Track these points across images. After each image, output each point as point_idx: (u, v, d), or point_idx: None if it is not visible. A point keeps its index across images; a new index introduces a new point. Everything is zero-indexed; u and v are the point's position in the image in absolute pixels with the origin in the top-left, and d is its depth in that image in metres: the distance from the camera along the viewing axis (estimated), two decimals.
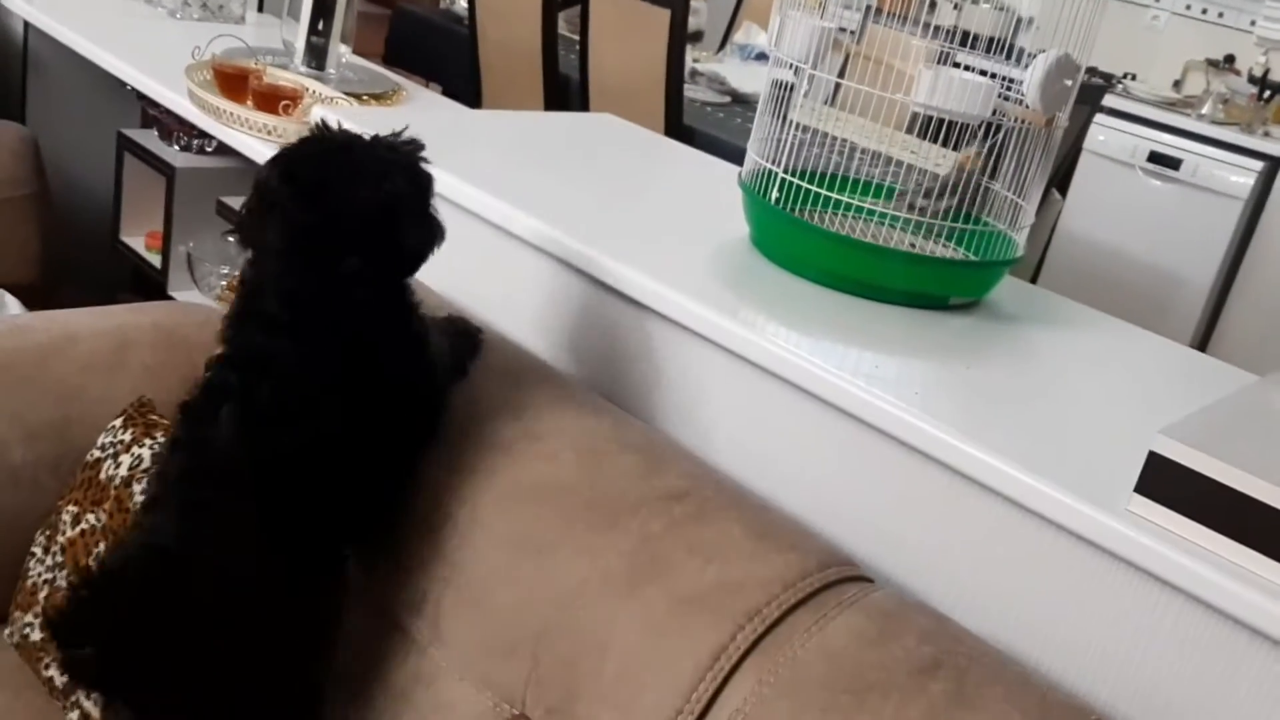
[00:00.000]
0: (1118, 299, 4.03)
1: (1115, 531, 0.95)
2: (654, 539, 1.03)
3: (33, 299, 2.13)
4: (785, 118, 1.38)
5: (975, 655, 0.92)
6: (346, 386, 1.07)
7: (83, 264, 2.51)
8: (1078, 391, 1.20)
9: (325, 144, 1.09)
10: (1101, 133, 4.09)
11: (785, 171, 1.35)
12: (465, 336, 1.27)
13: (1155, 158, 4.03)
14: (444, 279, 1.51)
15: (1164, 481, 0.94)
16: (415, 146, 1.11)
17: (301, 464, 1.05)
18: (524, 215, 1.38)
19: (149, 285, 2.40)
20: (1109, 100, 4.08)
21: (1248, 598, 0.89)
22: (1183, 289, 4.00)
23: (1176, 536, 0.94)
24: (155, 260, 2.30)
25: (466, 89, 3.33)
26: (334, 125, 1.13)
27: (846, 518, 1.14)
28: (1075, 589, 1.00)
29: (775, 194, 1.36)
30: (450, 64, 3.51)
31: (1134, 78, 4.46)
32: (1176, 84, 4.51)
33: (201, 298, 2.18)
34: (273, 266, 1.07)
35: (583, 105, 3.02)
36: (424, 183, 1.11)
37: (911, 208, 1.36)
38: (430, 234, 1.10)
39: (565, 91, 3.12)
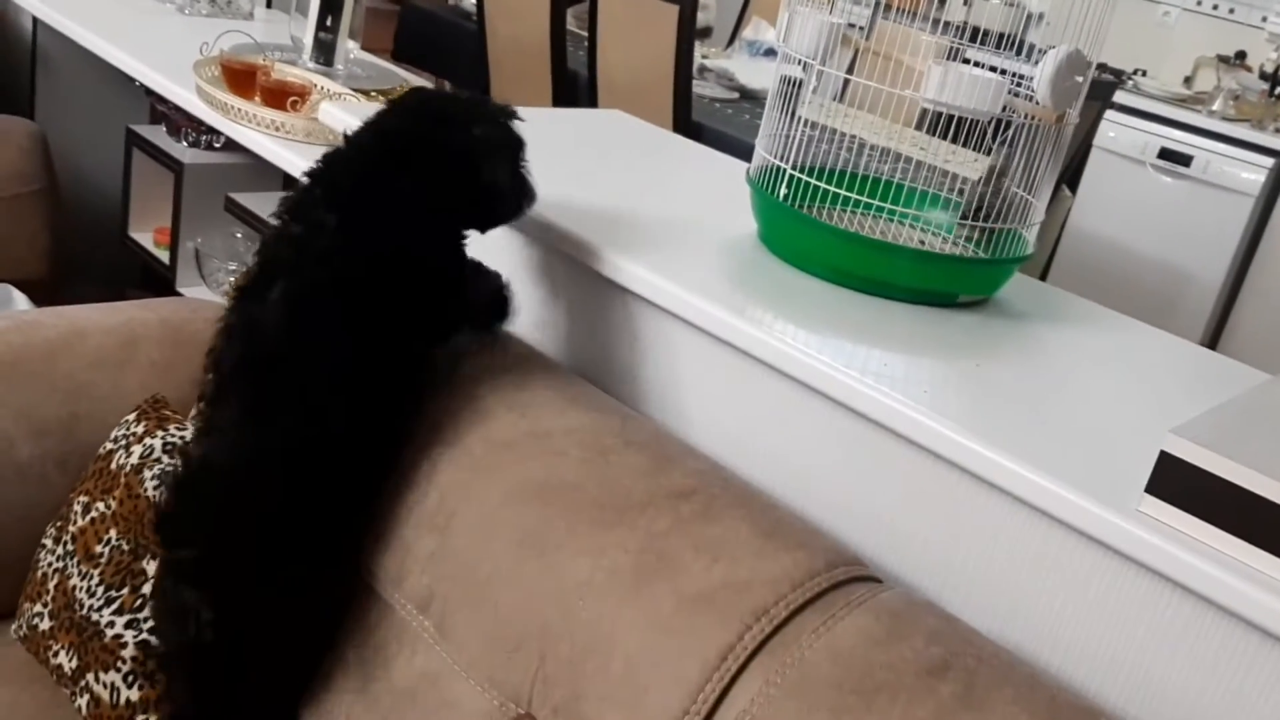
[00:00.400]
0: (1127, 296, 4.01)
1: (1125, 532, 0.95)
2: (660, 537, 1.03)
3: (41, 295, 2.14)
4: (794, 114, 1.37)
5: (984, 656, 0.92)
6: (383, 280, 1.12)
7: (91, 260, 2.51)
8: (1088, 390, 1.20)
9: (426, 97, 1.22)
10: (1112, 129, 4.07)
11: (794, 168, 1.34)
12: (498, 305, 1.31)
13: (1166, 154, 4.02)
14: None
15: (1175, 481, 0.94)
16: (508, 110, 1.20)
17: (340, 348, 1.11)
18: (530, 210, 1.37)
19: (158, 281, 2.40)
20: (1119, 96, 4.06)
21: (1260, 600, 0.88)
22: (1193, 286, 3.99)
23: (1188, 537, 0.93)
24: (164, 256, 2.30)
25: (475, 85, 3.33)
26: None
27: (854, 516, 1.14)
28: (1085, 590, 0.99)
29: (783, 190, 1.35)
30: (459, 60, 3.51)
31: (1144, 74, 4.45)
32: (1187, 80, 4.49)
33: (210, 294, 2.18)
34: (347, 153, 1.15)
35: (591, 101, 3.01)
36: (512, 139, 1.20)
37: (965, 218, 1.34)
38: (515, 186, 1.20)
39: (574, 88, 3.11)
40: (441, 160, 1.14)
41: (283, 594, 1.12)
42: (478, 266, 1.26)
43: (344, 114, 1.61)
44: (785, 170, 1.34)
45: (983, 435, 1.03)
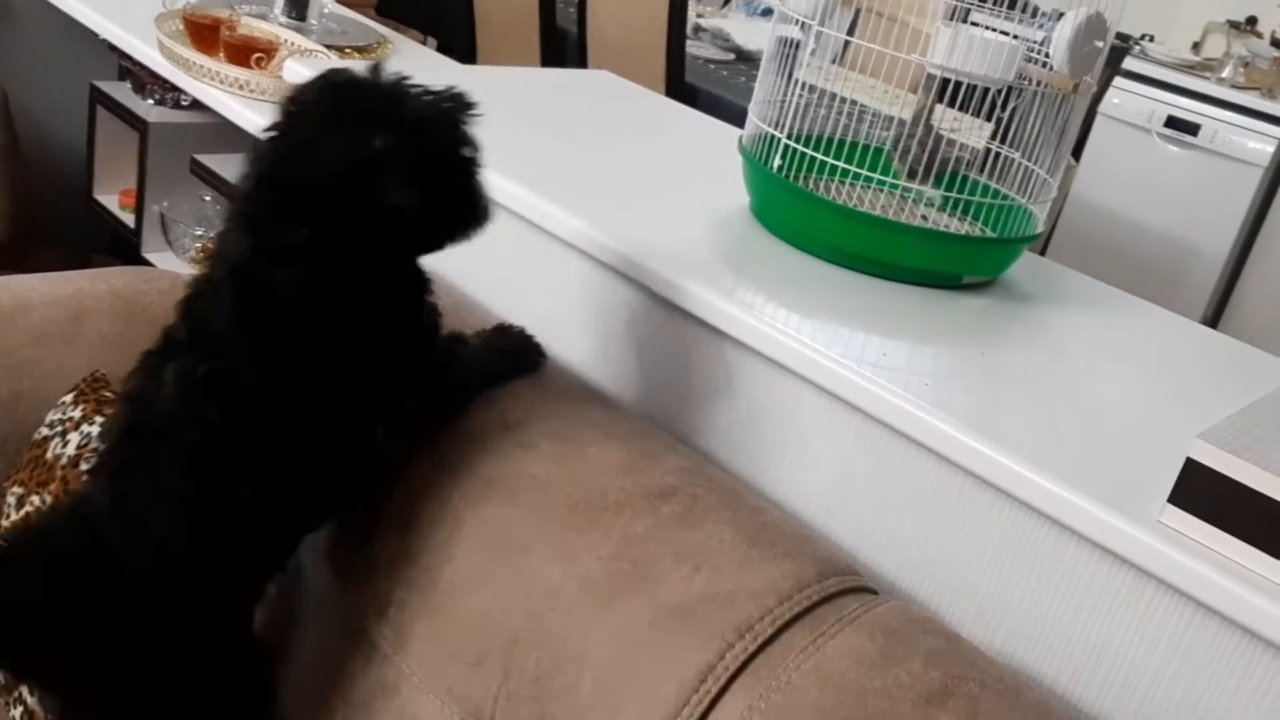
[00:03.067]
0: (1131, 268, 3.92)
1: (1145, 545, 0.86)
2: (637, 542, 0.94)
3: (2, 258, 2.04)
4: (790, 78, 1.27)
5: (988, 681, 0.84)
6: (301, 371, 0.95)
7: (58, 223, 2.41)
8: (1103, 383, 1.11)
9: (346, 86, 0.94)
10: (1117, 96, 3.96)
11: (789, 136, 1.25)
12: (518, 354, 1.14)
13: (1173, 123, 3.91)
14: None
15: (1201, 491, 0.85)
16: (442, 99, 0.96)
17: (246, 439, 0.94)
18: (503, 180, 1.28)
19: (127, 246, 2.30)
20: (1125, 63, 3.95)
21: None
22: (1198, 259, 3.89)
23: (1214, 553, 0.85)
24: (129, 220, 2.20)
25: (462, 43, 3.21)
26: (386, 69, 0.96)
27: (849, 520, 1.05)
28: (1100, 606, 0.91)
29: (777, 161, 1.25)
30: (445, 16, 3.38)
31: (1151, 39, 4.33)
32: (1196, 46, 4.37)
33: (176, 261, 2.09)
34: (233, 221, 0.95)
35: (581, 61, 2.90)
36: (437, 137, 0.95)
37: (912, 175, 1.25)
38: (425, 199, 0.93)
39: (563, 46, 3.00)
40: (337, 196, 0.91)
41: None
42: (501, 326, 1.14)
43: (311, 72, 1.51)
44: (779, 139, 1.25)
45: (989, 434, 0.94)
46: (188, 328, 0.97)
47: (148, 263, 2.15)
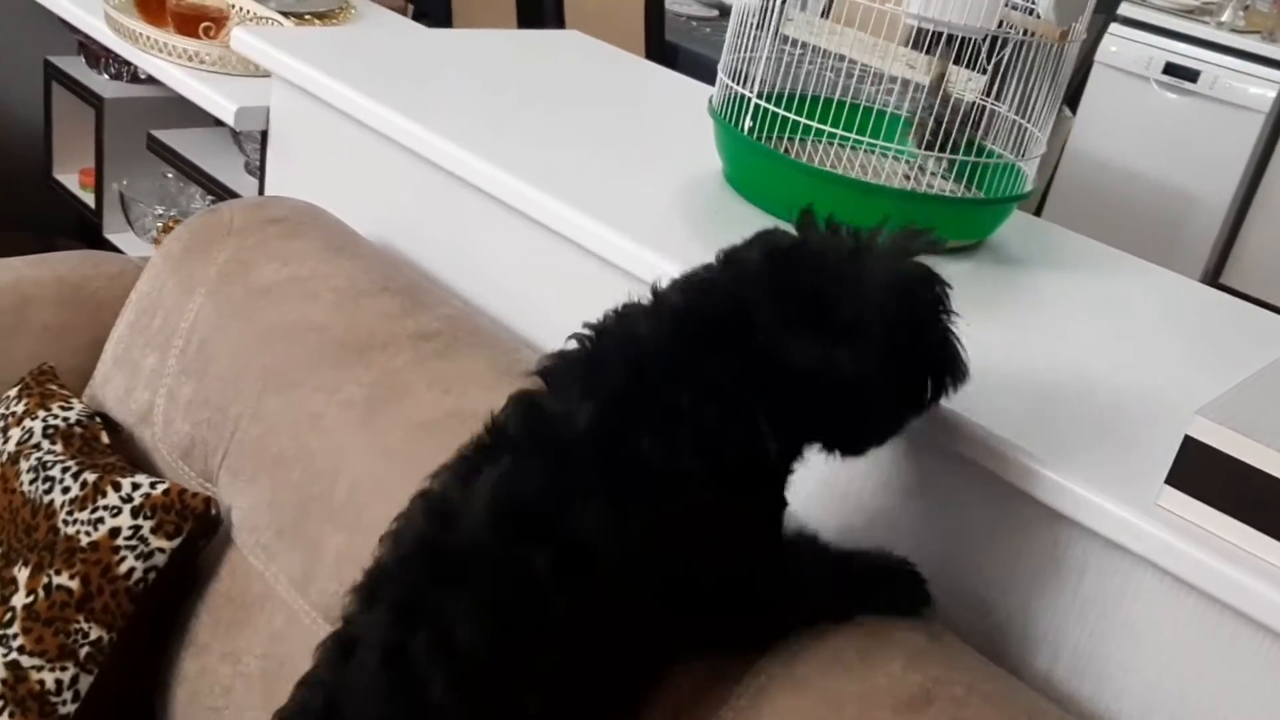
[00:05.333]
0: (1130, 219, 3.84)
1: (1142, 530, 0.80)
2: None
3: None
4: (765, 31, 1.19)
5: (974, 684, 0.77)
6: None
7: (19, 206, 2.33)
8: (1098, 353, 1.04)
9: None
10: (1114, 43, 3.86)
11: (761, 97, 1.17)
12: (891, 585, 0.85)
13: (1171, 69, 3.81)
14: (379, 220, 1.34)
15: (1201, 472, 0.79)
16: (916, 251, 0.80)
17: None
18: (456, 148, 1.20)
19: (92, 228, 2.22)
20: (1122, 8, 3.85)
21: None
22: (1199, 208, 3.81)
23: (1215, 536, 0.78)
24: (90, 200, 2.12)
25: (438, 6, 3.12)
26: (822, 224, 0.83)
27: (820, 499, 0.99)
28: (1096, 593, 0.84)
29: (748, 122, 1.18)
30: None
31: None
32: None
33: (138, 242, 2.01)
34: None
35: (559, 21, 2.81)
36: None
37: (921, 143, 1.17)
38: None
39: (540, 6, 2.91)
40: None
41: None
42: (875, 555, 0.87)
43: (259, 42, 1.43)
44: (750, 99, 1.17)
45: (974, 412, 0.87)
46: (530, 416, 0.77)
47: (111, 244, 2.07)
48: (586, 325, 0.78)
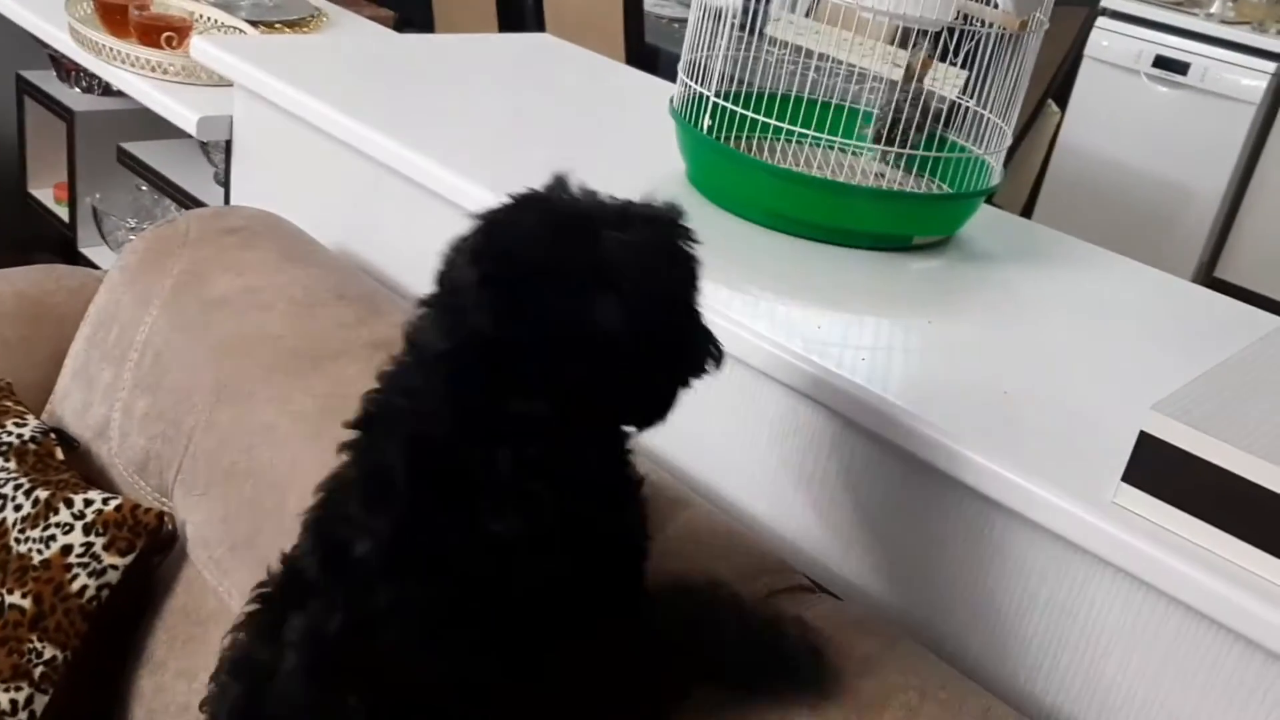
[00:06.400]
0: (1122, 214, 3.81)
1: (1097, 529, 0.78)
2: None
3: None
4: (726, 29, 1.17)
5: (928, 689, 0.75)
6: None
7: None
8: (1062, 352, 1.02)
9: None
10: (1104, 37, 3.84)
11: (723, 96, 1.15)
12: (793, 665, 0.77)
13: (1161, 62, 3.79)
14: (342, 228, 1.33)
15: (1157, 468, 0.77)
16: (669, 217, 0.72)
17: None
18: (412, 153, 1.19)
19: (68, 243, 2.21)
20: (1110, 2, 3.83)
21: (1255, 611, 0.72)
22: (1191, 201, 3.78)
23: (1171, 534, 0.76)
24: (65, 214, 2.11)
25: (420, 12, 3.11)
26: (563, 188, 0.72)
27: (793, 510, 0.97)
28: (1054, 594, 0.82)
29: (707, 121, 1.16)
30: None
31: None
32: None
33: (112, 255, 2.00)
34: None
35: (539, 24, 2.80)
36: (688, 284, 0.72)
37: (878, 138, 1.16)
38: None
39: (520, 10, 2.90)
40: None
41: None
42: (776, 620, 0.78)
43: (219, 51, 1.42)
44: (708, 98, 1.16)
45: (926, 411, 0.85)
46: (323, 549, 0.71)
47: (85, 258, 2.06)
48: (366, 400, 0.73)
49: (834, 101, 1.25)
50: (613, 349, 0.67)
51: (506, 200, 0.71)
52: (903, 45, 1.21)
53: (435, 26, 3.07)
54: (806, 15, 1.40)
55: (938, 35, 1.13)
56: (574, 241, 0.68)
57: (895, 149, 1.13)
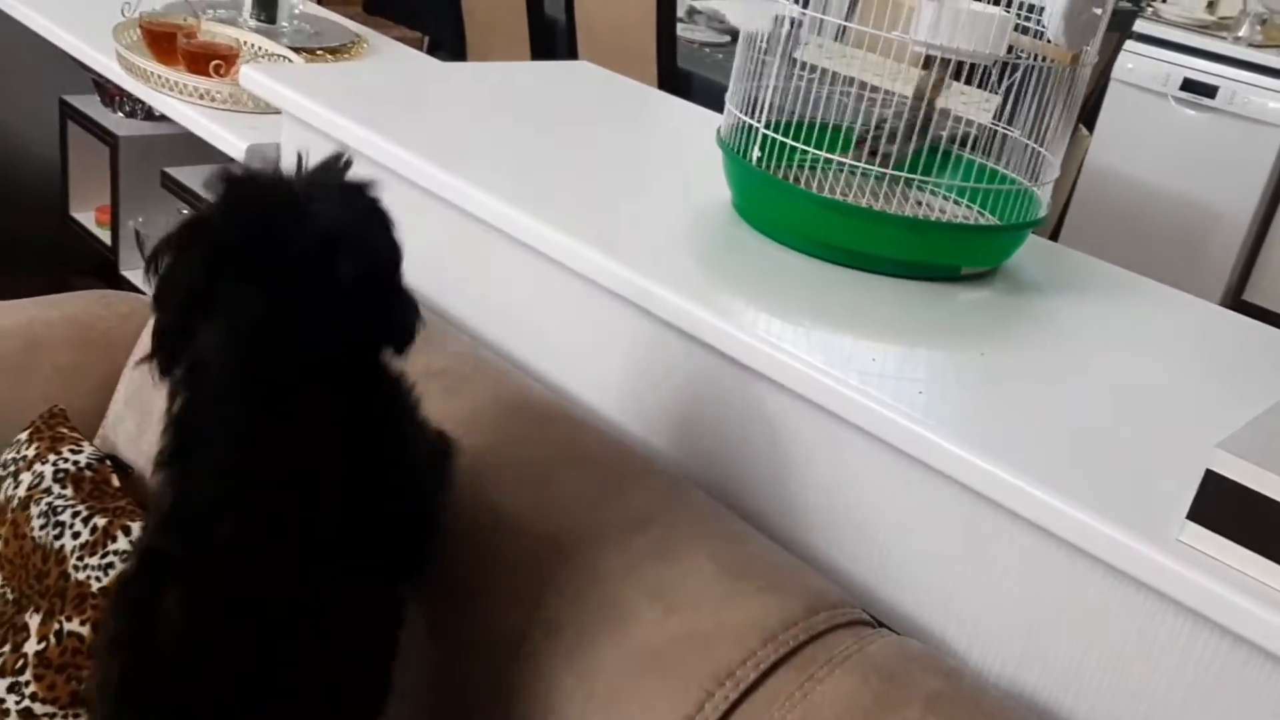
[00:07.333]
0: (1150, 237, 3.80)
1: (1163, 566, 0.78)
2: (607, 581, 0.86)
3: None
4: (775, 58, 1.18)
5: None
6: (325, 538, 0.79)
7: (37, 244, 2.34)
8: (1116, 384, 1.02)
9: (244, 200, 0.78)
10: (1131, 60, 3.84)
11: (769, 126, 1.16)
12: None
13: (1189, 85, 3.79)
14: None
15: (1224, 506, 0.77)
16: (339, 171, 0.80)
17: (271, 666, 0.78)
18: (461, 181, 1.20)
19: (109, 266, 2.23)
20: (1138, 25, 3.83)
21: None
22: (1220, 224, 3.77)
23: (1239, 573, 0.76)
24: (106, 237, 2.13)
25: (451, 37, 3.13)
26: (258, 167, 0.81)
27: (848, 545, 0.97)
28: (1117, 632, 0.82)
29: (756, 153, 1.17)
30: (434, 11, 3.30)
31: (1164, 0, 4.20)
32: (1210, 5, 4.23)
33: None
34: (217, 382, 0.77)
35: (571, 51, 2.82)
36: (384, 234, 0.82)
37: (875, 155, 1.16)
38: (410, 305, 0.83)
39: (552, 36, 2.92)
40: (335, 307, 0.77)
41: None
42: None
43: (269, 80, 1.43)
44: (757, 130, 1.16)
45: (989, 448, 0.86)
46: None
47: (128, 281, 2.08)
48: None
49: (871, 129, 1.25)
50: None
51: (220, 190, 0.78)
52: (928, 68, 1.22)
53: (467, 50, 3.10)
54: (836, 40, 1.40)
55: (945, 62, 1.13)
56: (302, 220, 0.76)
57: (878, 169, 1.13)
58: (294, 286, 0.75)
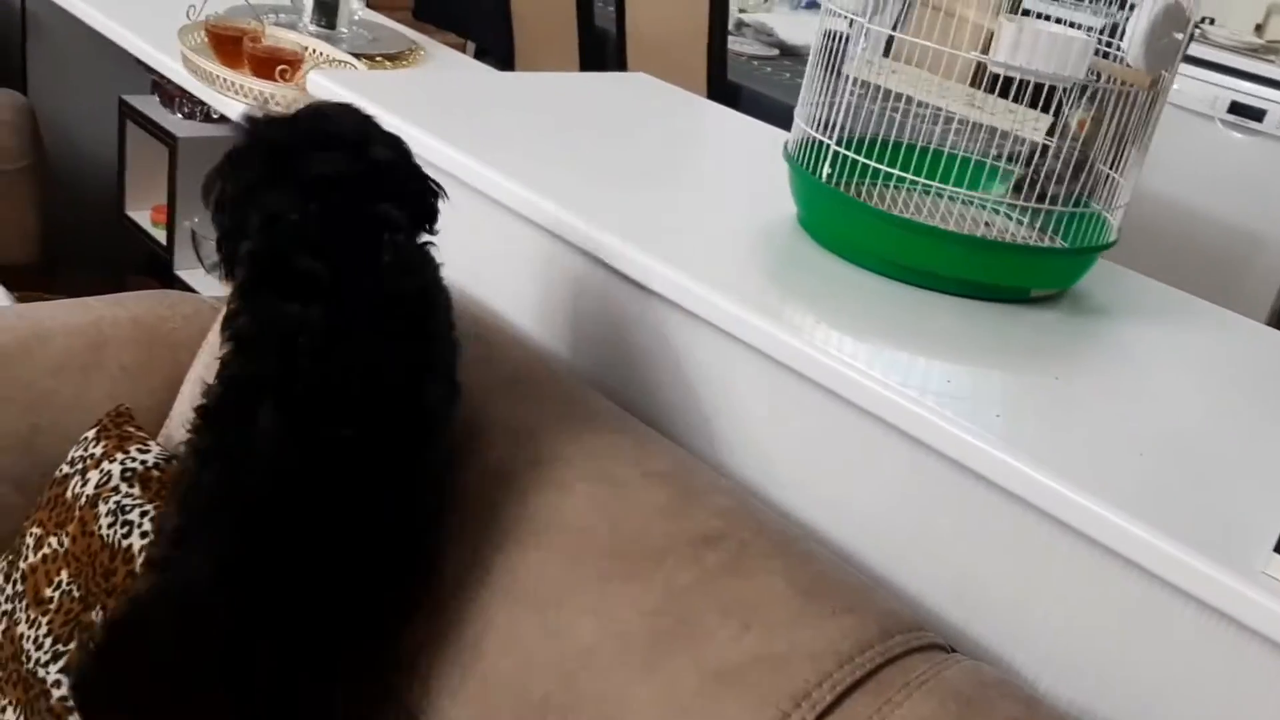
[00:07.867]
0: (1194, 260, 3.77)
1: (1246, 599, 0.77)
2: (681, 595, 0.86)
3: (31, 280, 2.00)
4: (839, 77, 1.18)
5: None
6: (392, 358, 0.91)
7: (91, 242, 2.37)
8: (1192, 409, 1.01)
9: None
10: (1177, 82, 3.77)
11: (839, 143, 1.16)
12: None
13: (1236, 108, 3.76)
14: (454, 265, 1.34)
15: None
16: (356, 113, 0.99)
17: (360, 456, 0.88)
18: (531, 193, 1.20)
19: (163, 264, 2.25)
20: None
21: None
22: (1264, 248, 3.74)
23: None
24: (161, 237, 2.15)
25: (500, 45, 3.14)
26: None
27: (916, 566, 0.96)
28: (1197, 665, 0.82)
29: (826, 170, 1.17)
30: (483, 19, 3.32)
31: (1212, 22, 4.16)
32: (1259, 28, 4.20)
33: (208, 279, 2.03)
34: (295, 221, 0.89)
35: (620, 61, 2.82)
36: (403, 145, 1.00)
37: (1042, 197, 1.14)
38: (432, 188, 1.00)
39: (602, 47, 2.92)
40: (385, 180, 0.95)
41: None
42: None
43: (336, 86, 1.45)
44: (829, 146, 1.16)
45: (1069, 474, 0.85)
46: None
47: (181, 280, 2.10)
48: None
49: (945, 150, 1.25)
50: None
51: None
52: (976, 84, 1.21)
53: (515, 58, 3.11)
54: (885, 55, 1.40)
55: (1039, 86, 1.12)
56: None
57: (1045, 206, 1.12)
58: (358, 159, 0.91)
